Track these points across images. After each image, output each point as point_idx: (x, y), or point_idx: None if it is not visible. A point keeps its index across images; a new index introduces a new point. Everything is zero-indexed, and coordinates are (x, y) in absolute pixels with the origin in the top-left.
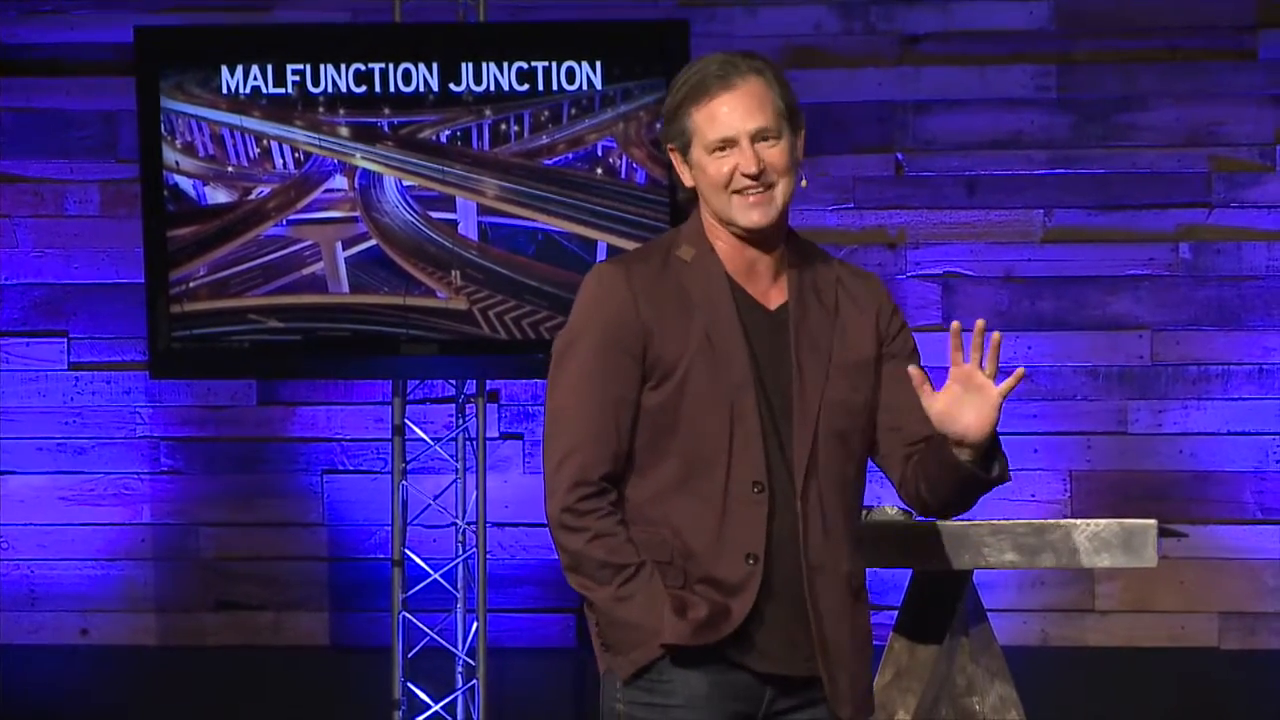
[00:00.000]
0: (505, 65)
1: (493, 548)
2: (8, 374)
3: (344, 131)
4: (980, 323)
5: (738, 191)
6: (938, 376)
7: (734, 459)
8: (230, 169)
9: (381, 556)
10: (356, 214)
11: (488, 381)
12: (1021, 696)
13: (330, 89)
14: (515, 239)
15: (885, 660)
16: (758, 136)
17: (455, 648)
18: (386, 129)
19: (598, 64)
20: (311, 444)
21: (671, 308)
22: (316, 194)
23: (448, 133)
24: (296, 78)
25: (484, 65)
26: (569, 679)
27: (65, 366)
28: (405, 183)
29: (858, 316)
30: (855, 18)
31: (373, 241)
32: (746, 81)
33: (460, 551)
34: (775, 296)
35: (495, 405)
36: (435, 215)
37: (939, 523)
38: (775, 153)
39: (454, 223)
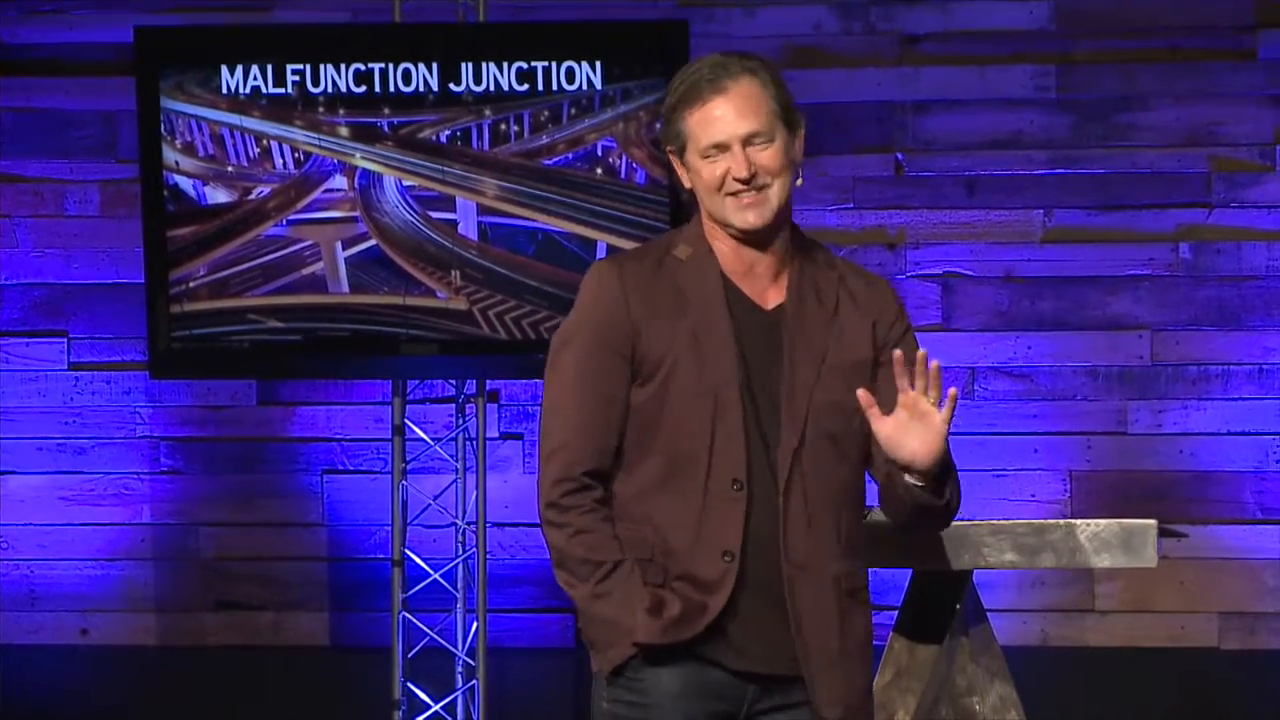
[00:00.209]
0: (505, 65)
1: (493, 548)
2: (8, 374)
3: (344, 131)
4: (922, 352)
5: (731, 194)
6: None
7: (715, 457)
8: (230, 169)
9: (381, 556)
10: (356, 214)
11: (488, 381)
12: (1021, 697)
13: (330, 89)
14: (515, 239)
15: (885, 660)
16: (749, 140)
17: (455, 648)
18: (386, 129)
19: (597, 64)
20: (311, 444)
21: (662, 306)
22: (316, 194)
23: (448, 133)
24: (296, 78)
25: (484, 65)
26: (569, 679)
27: (65, 366)
28: (405, 183)
29: (856, 318)
30: (855, 18)
31: (373, 241)
32: (738, 84)
33: (460, 551)
34: (773, 297)
35: (495, 405)
36: (435, 215)
37: None
38: (767, 155)
39: (454, 223)
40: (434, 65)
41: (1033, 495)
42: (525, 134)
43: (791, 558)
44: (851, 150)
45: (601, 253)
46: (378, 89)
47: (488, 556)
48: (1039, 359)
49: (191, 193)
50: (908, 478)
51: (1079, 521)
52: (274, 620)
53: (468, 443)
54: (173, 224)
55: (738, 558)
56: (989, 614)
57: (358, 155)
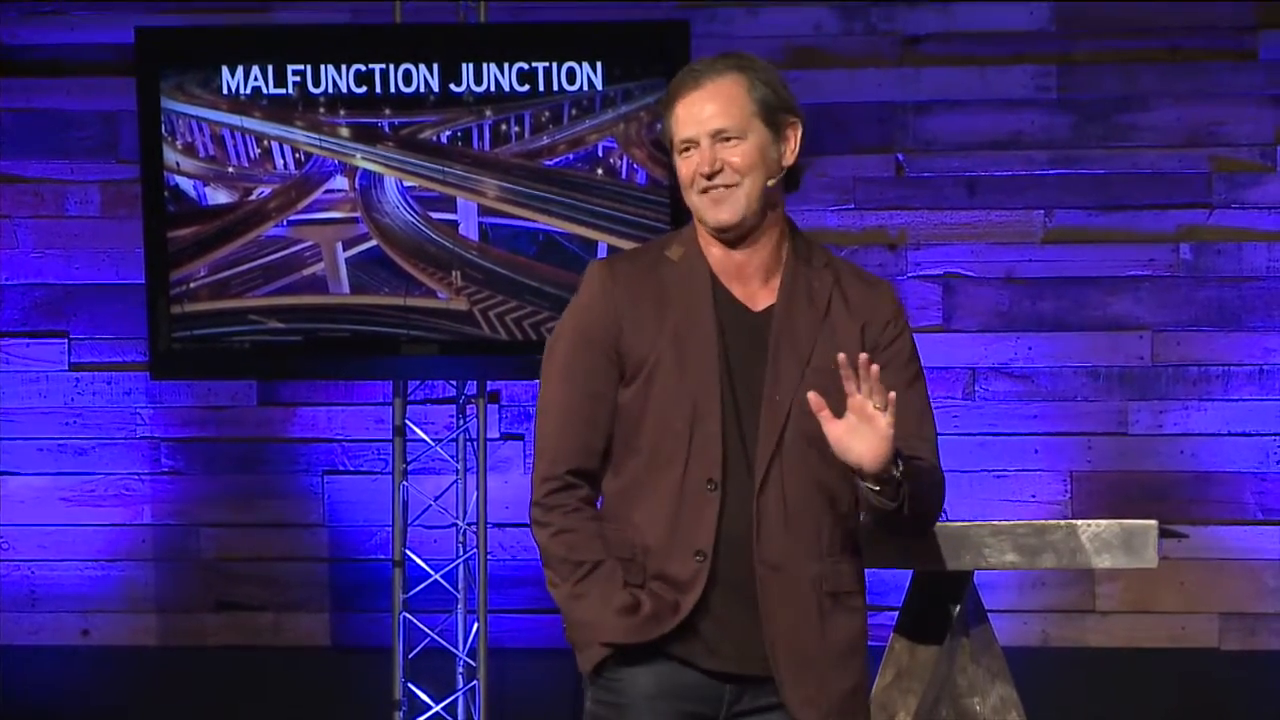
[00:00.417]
0: (506, 66)
1: (493, 548)
2: (8, 375)
3: (344, 132)
4: (863, 356)
5: (702, 191)
6: (937, 379)
7: (692, 457)
8: (231, 169)
9: (382, 557)
10: (357, 214)
11: (488, 382)
12: (1022, 697)
13: (331, 89)
14: (516, 239)
15: (886, 661)
16: (718, 136)
17: (456, 648)
18: (387, 129)
19: (598, 64)
20: (312, 444)
21: (648, 306)
22: (317, 194)
23: (448, 133)
24: (297, 78)
25: (484, 66)
26: (569, 680)
27: (66, 367)
28: (406, 183)
29: (846, 321)
30: (856, 18)
31: (373, 242)
32: (717, 81)
33: (461, 552)
34: (763, 298)
35: (496, 406)
36: (436, 216)
37: (939, 523)
38: (737, 152)
39: (454, 223)
40: (435, 66)
41: (1033, 496)
42: (526, 134)
43: (765, 558)
44: (852, 151)
45: (602, 253)
46: (378, 90)
47: (488, 557)
48: (1040, 360)
49: (192, 193)
50: (861, 482)
51: (1080, 522)
52: (275, 621)
53: (468, 443)
54: (173, 225)
55: (709, 557)
56: (990, 614)
57: (358, 156)
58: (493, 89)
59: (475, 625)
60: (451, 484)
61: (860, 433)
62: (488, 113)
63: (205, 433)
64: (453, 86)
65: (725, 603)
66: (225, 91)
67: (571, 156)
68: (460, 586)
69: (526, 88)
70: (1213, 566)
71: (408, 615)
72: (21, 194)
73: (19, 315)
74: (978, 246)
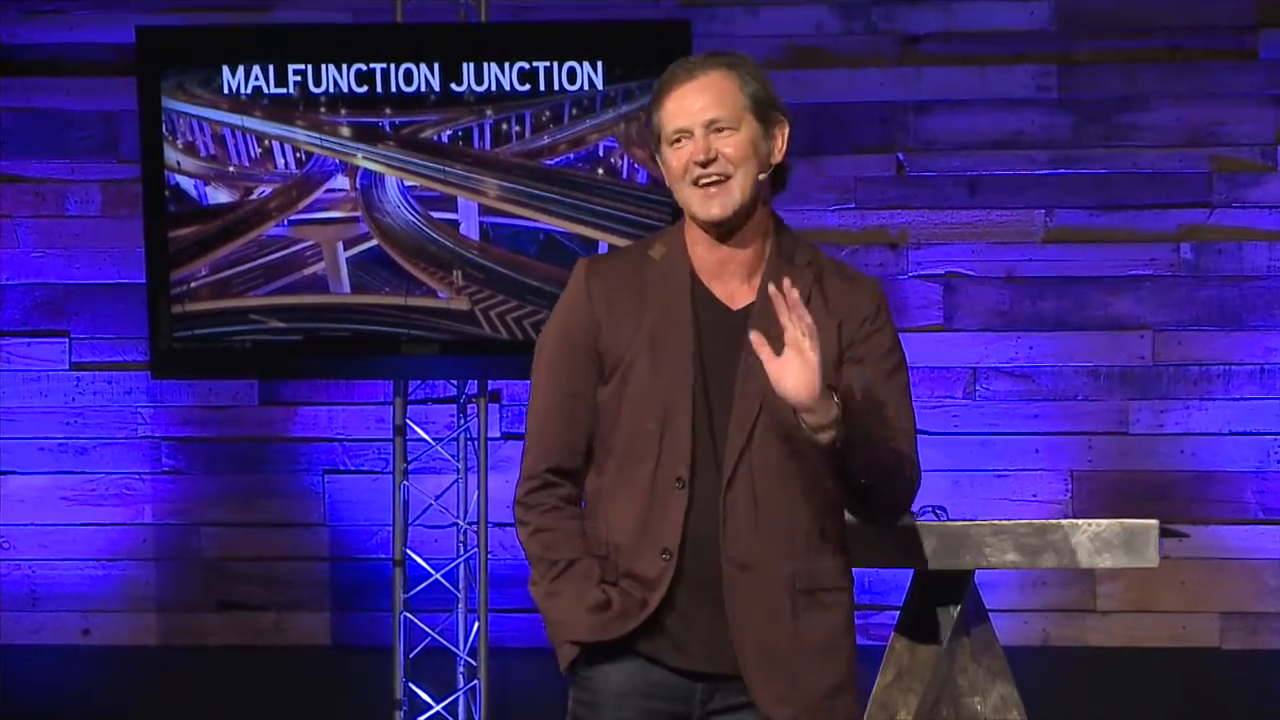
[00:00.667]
0: (506, 65)
1: (494, 548)
2: (9, 374)
3: (345, 131)
4: (785, 281)
5: (694, 184)
6: (938, 378)
7: (663, 455)
8: (231, 169)
9: (383, 556)
10: (358, 214)
11: (489, 381)
12: (1023, 697)
13: (332, 89)
14: (517, 239)
15: (886, 660)
16: (712, 126)
17: (456, 648)
18: (388, 129)
19: (599, 64)
20: (313, 444)
21: (627, 305)
22: (318, 194)
23: (449, 133)
24: (298, 78)
25: (485, 65)
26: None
27: (67, 366)
28: (406, 183)
29: (825, 319)
30: (856, 18)
31: (374, 242)
32: (709, 74)
33: (461, 551)
34: (743, 296)
35: (497, 405)
36: (436, 215)
37: (940, 523)
38: (731, 143)
39: (455, 223)
40: (435, 65)
41: (1034, 495)
42: (527, 134)
43: (732, 556)
44: (853, 150)
45: (603, 252)
46: (379, 89)
47: (489, 556)
48: (1040, 359)
49: (193, 193)
50: (802, 427)
51: (1080, 521)
52: (275, 620)
53: (469, 443)
54: (174, 224)
55: (675, 556)
56: (990, 614)
57: (359, 155)
58: (493, 88)
59: (476, 625)
60: (452, 483)
61: (792, 366)
62: (488, 112)
63: (206, 432)
64: (453, 86)
65: (692, 601)
66: (226, 91)
67: (572, 156)
68: (461, 586)
69: (527, 87)
70: (1214, 566)
71: (408, 615)
72: (22, 194)
73: (20, 315)
74: (978, 246)
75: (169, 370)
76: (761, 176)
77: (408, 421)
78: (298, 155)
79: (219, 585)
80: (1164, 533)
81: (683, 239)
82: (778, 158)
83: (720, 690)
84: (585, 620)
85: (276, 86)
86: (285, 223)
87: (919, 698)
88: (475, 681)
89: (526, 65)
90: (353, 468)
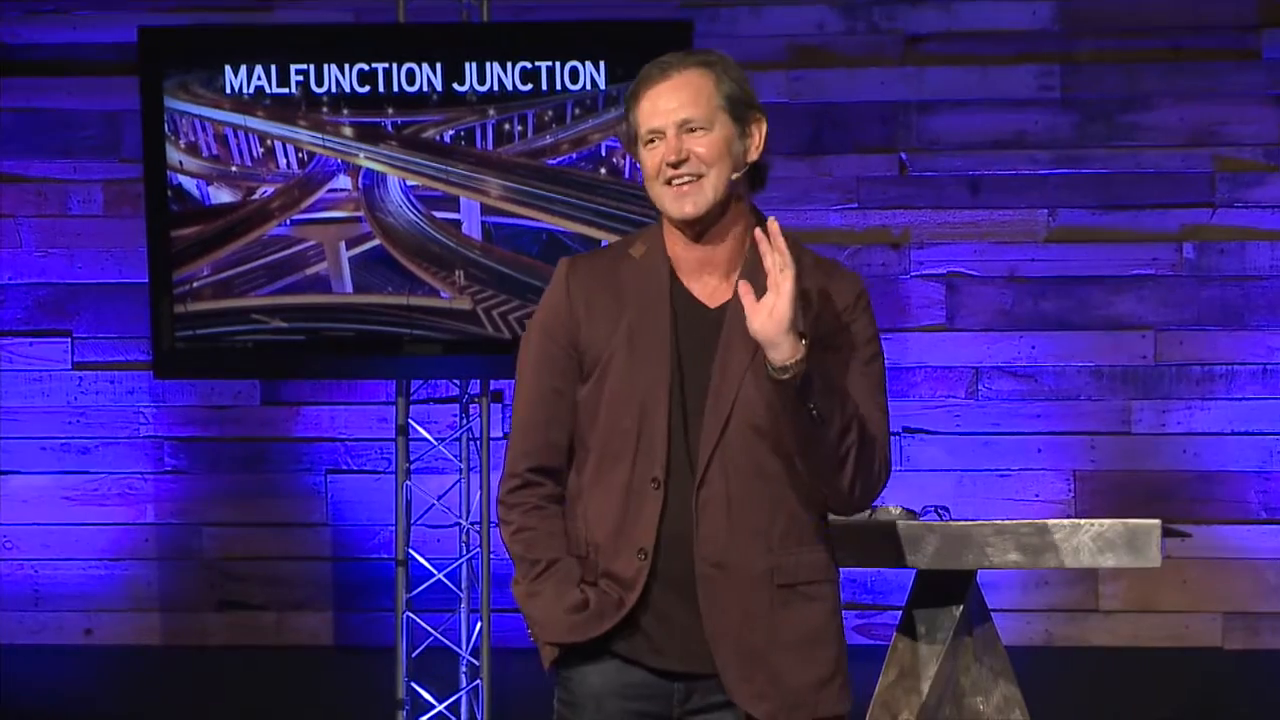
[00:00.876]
0: (509, 65)
1: (496, 547)
2: (11, 374)
3: (348, 131)
4: (770, 221)
5: (667, 183)
6: (940, 378)
7: (639, 454)
8: (234, 169)
9: (385, 556)
10: (360, 214)
11: (491, 381)
12: (1025, 696)
13: (334, 89)
14: (519, 239)
15: (889, 660)
16: (684, 126)
17: (459, 647)
18: (390, 129)
19: (601, 64)
20: (315, 444)
21: (606, 303)
22: (320, 194)
23: (451, 132)
24: (300, 77)
25: (487, 65)
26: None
27: (69, 366)
28: (409, 182)
29: (800, 315)
30: (859, 18)
31: (376, 241)
32: (683, 73)
33: (464, 551)
34: (721, 294)
35: (499, 405)
36: (439, 215)
37: (942, 523)
38: (703, 143)
39: (458, 222)
40: (438, 65)
41: (1037, 495)
42: (529, 134)
43: (706, 554)
44: (855, 150)
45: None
46: (381, 89)
47: (491, 556)
48: (1043, 359)
49: (195, 193)
50: (769, 370)
51: (1083, 521)
52: (277, 620)
53: (471, 442)
54: (176, 224)
55: (650, 556)
56: (993, 614)
57: (361, 155)
58: (496, 88)
59: (478, 624)
60: (455, 483)
61: (765, 302)
62: (491, 112)
63: (208, 432)
64: (456, 86)
65: (668, 601)
66: (228, 91)
67: (574, 156)
68: (463, 586)
69: (529, 87)
70: (1216, 566)
71: (411, 614)
72: (25, 193)
73: (22, 314)
74: (981, 246)
75: (171, 370)
76: (735, 176)
77: (410, 421)
78: (300, 155)
79: (221, 585)
80: (1166, 533)
81: (662, 238)
82: (754, 156)
83: (699, 690)
84: (564, 621)
85: (279, 86)
86: (287, 222)
87: (921, 698)
88: (478, 681)
89: (529, 65)
90: (355, 467)
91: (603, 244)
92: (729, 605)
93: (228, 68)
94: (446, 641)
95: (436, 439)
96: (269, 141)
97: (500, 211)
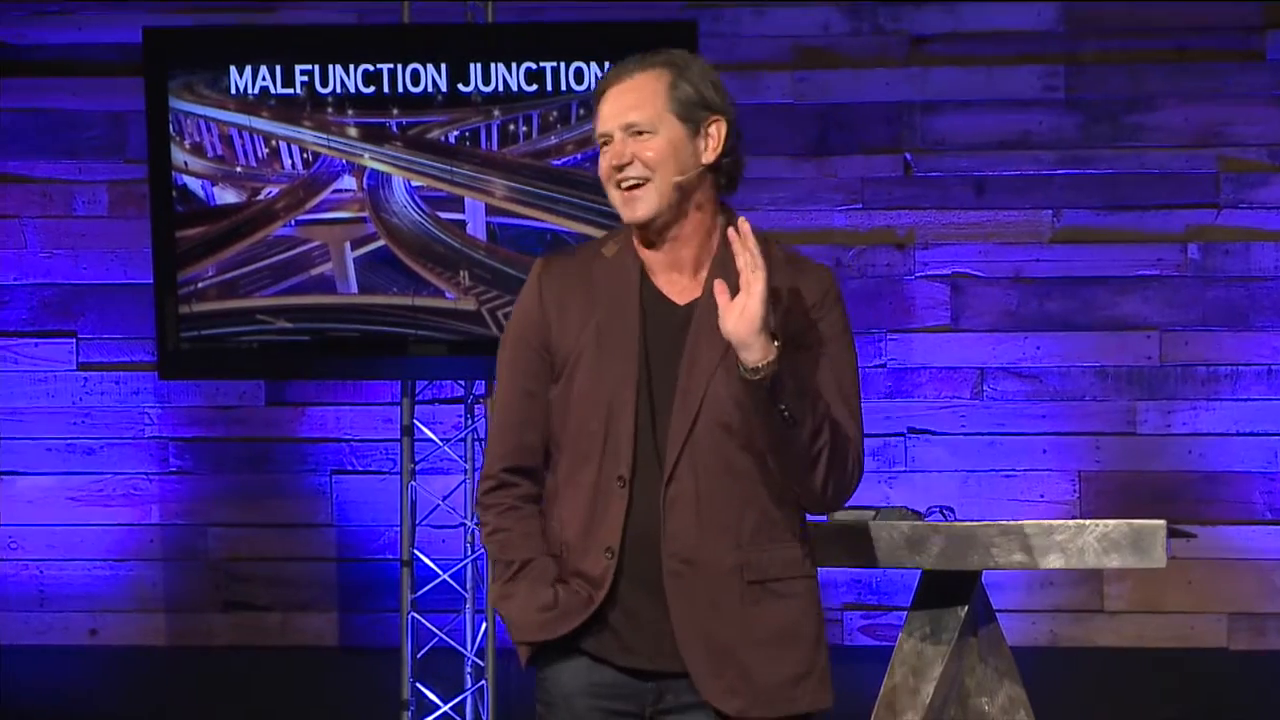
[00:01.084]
0: (513, 66)
1: None
2: (16, 374)
3: (352, 132)
4: (741, 220)
5: (617, 187)
6: (946, 378)
7: (606, 453)
8: (239, 169)
9: (390, 557)
10: (365, 214)
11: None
12: (1030, 697)
13: (339, 89)
14: (524, 239)
15: (894, 661)
16: (630, 130)
17: (464, 648)
18: (395, 129)
19: (605, 64)
20: (320, 444)
21: (576, 303)
22: (325, 194)
23: (456, 133)
24: (305, 78)
25: (492, 66)
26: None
27: (74, 367)
28: (414, 183)
29: (771, 315)
30: (863, 18)
31: (381, 242)
32: (636, 76)
33: (469, 552)
34: (689, 293)
35: None
36: (444, 215)
37: (947, 523)
38: (649, 147)
39: (462, 223)
40: (442, 66)
41: (1041, 495)
42: (534, 134)
43: (674, 551)
44: (860, 151)
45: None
46: (386, 89)
47: None
48: (1048, 359)
49: (200, 193)
50: (740, 371)
51: (1088, 522)
52: (282, 621)
53: (476, 443)
54: (181, 224)
55: (617, 554)
56: (998, 614)
57: (366, 156)
58: (500, 89)
59: (484, 625)
60: (460, 484)
61: (737, 303)
62: (495, 112)
63: (213, 432)
64: (460, 86)
65: (636, 599)
66: (233, 91)
67: (579, 156)
68: (468, 586)
69: (534, 87)
70: (1221, 566)
71: (416, 615)
72: (29, 194)
73: (27, 315)
74: (986, 246)
75: (176, 370)
76: (681, 178)
77: (415, 422)
78: (305, 155)
79: (226, 585)
80: (1171, 533)
81: (633, 237)
82: (709, 157)
83: (671, 689)
84: (535, 619)
85: (283, 87)
86: (292, 223)
87: (926, 698)
88: (483, 682)
89: (533, 65)
90: (360, 468)
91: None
92: (698, 602)
93: (232, 68)
94: (451, 642)
95: (441, 439)
96: (274, 142)
97: (505, 212)
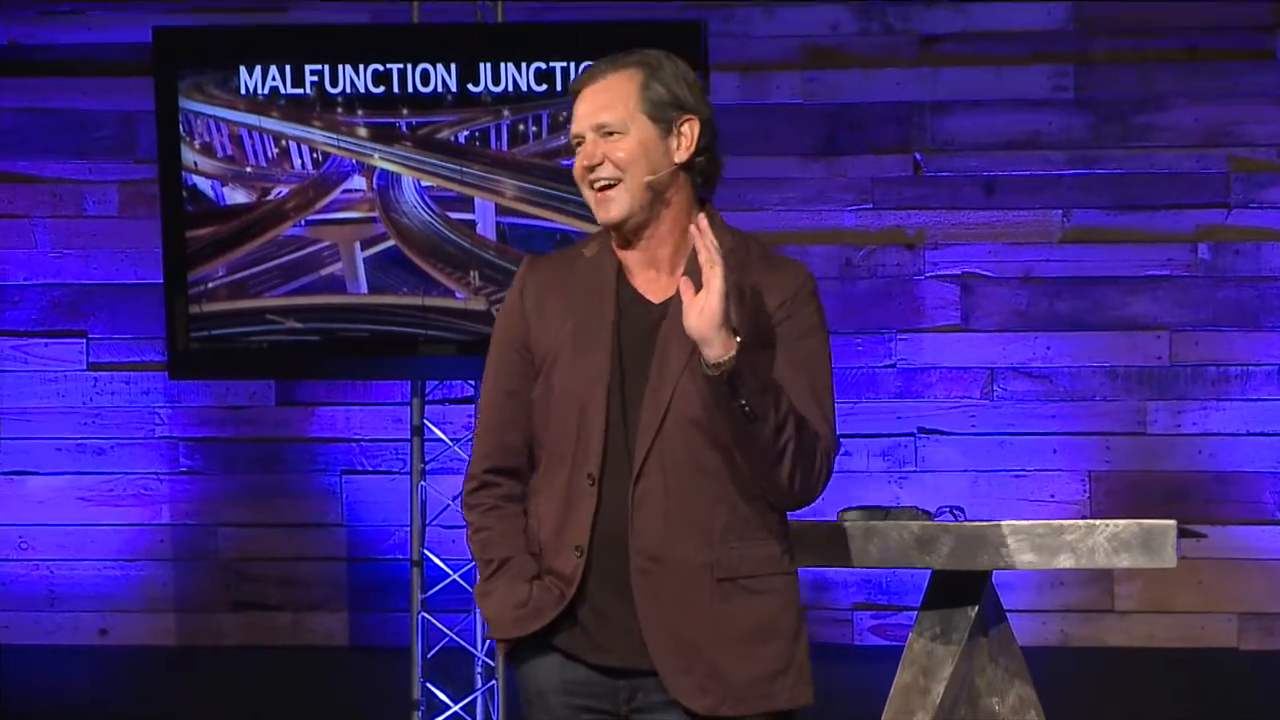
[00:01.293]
0: (523, 66)
1: None
2: (27, 374)
3: (362, 132)
4: (700, 215)
5: (590, 188)
6: (955, 378)
7: (578, 452)
8: (249, 169)
9: (400, 557)
10: (375, 214)
11: None
12: (1041, 697)
13: (348, 89)
14: (533, 239)
15: (904, 661)
16: (601, 131)
17: (474, 648)
18: (405, 129)
19: None
20: (330, 444)
21: (555, 302)
22: (335, 194)
23: (466, 133)
24: (315, 78)
25: (502, 66)
26: None
27: (84, 367)
28: (423, 183)
29: (739, 308)
30: (873, 18)
31: (391, 242)
32: (609, 77)
33: None
34: (665, 291)
35: None
36: (453, 215)
37: (958, 523)
38: (620, 147)
39: (472, 223)
40: (452, 66)
41: (1052, 495)
42: (544, 134)
43: (642, 549)
44: (870, 151)
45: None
46: (396, 89)
47: None
48: (1058, 359)
49: (210, 193)
50: (702, 366)
51: (1098, 522)
52: (293, 621)
53: None
54: (191, 224)
55: (586, 552)
56: (1008, 614)
57: (376, 156)
58: (510, 89)
59: None
60: None
61: (699, 302)
62: (505, 112)
63: (223, 433)
64: (470, 86)
65: (605, 597)
66: (243, 91)
67: None
68: None
69: (544, 87)
70: (1231, 566)
71: (426, 615)
72: (39, 194)
73: (37, 315)
74: (996, 246)
75: (186, 370)
76: (651, 178)
77: (425, 422)
78: (314, 155)
79: (236, 585)
80: (1182, 533)
81: (613, 238)
82: (682, 156)
83: (643, 688)
84: (510, 616)
85: (293, 87)
86: (302, 223)
87: (937, 698)
88: (493, 682)
89: (543, 65)
90: (370, 468)
91: None
92: (666, 599)
93: (242, 68)
94: (462, 642)
95: (452, 439)
96: (284, 142)
97: (515, 212)
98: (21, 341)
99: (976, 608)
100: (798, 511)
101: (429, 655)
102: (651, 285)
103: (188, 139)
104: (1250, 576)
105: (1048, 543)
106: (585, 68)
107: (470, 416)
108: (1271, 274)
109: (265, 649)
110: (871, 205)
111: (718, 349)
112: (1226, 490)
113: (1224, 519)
